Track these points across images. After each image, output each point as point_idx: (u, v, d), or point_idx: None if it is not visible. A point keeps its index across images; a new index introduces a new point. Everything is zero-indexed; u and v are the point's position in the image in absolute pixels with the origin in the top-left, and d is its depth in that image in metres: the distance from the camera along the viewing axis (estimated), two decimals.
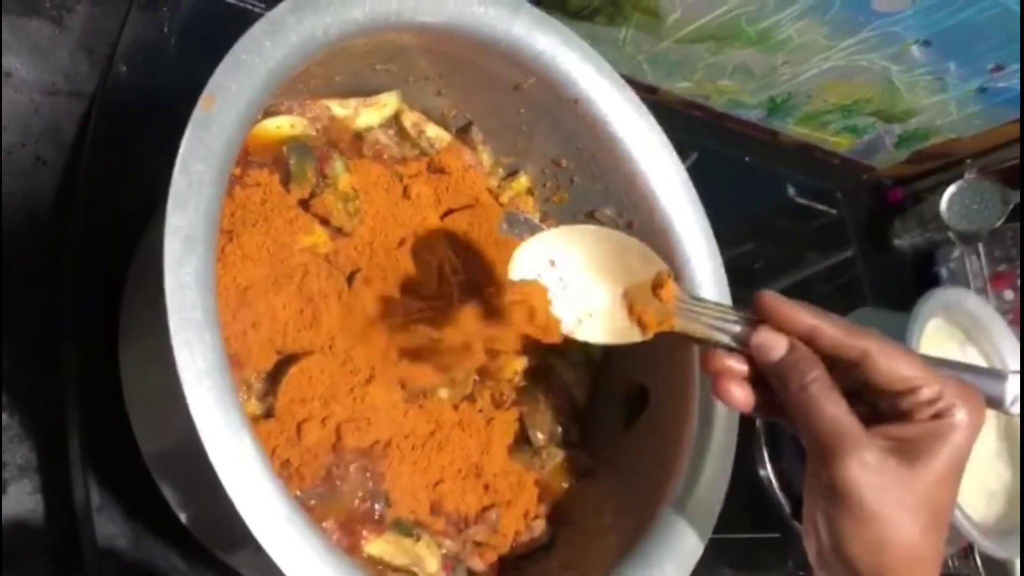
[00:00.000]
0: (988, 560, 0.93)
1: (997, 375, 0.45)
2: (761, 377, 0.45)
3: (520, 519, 0.56)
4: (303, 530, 0.37)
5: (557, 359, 0.61)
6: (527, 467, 0.58)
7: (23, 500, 0.54)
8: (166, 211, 0.35)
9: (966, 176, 1.02)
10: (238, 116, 0.38)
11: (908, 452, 0.41)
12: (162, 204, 0.36)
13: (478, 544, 0.54)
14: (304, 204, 0.51)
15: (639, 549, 0.50)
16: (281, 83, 0.41)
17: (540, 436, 0.59)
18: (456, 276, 0.54)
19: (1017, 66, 0.87)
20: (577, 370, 0.63)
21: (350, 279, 0.51)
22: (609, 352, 0.63)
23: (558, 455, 0.59)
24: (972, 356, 0.88)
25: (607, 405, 0.62)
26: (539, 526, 0.57)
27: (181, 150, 0.36)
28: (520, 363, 0.58)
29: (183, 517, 0.48)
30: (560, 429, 0.61)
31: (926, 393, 0.42)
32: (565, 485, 0.59)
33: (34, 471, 0.54)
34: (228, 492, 0.36)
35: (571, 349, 0.61)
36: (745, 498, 0.56)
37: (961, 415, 0.41)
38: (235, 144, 0.38)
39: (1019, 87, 0.91)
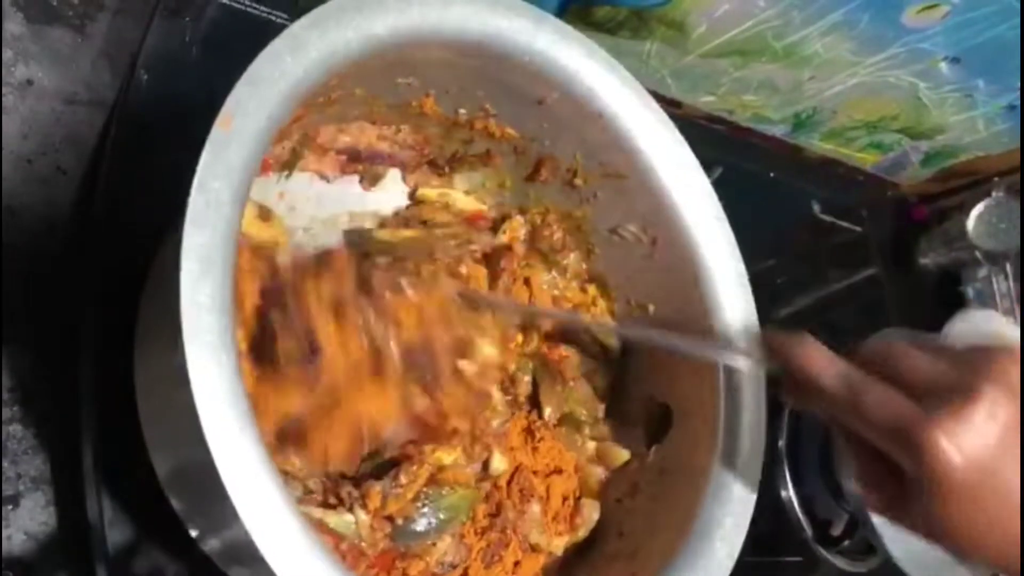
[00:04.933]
0: None
1: None
2: None
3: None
4: (317, 555, 0.37)
5: (573, 351, 0.61)
6: (569, 446, 0.58)
7: (36, 513, 0.54)
8: (183, 230, 0.35)
9: (994, 194, 1.00)
10: (257, 133, 0.38)
11: None
12: (179, 223, 0.35)
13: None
14: None
15: (663, 573, 0.49)
16: (301, 99, 0.41)
17: (584, 412, 0.60)
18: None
19: None
20: (596, 362, 0.62)
21: None
22: (628, 361, 0.62)
23: (600, 431, 0.60)
24: None
25: (629, 425, 0.61)
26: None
27: (199, 169, 0.36)
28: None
29: (195, 534, 0.48)
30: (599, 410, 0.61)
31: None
32: (601, 477, 0.59)
33: (47, 484, 0.54)
34: (240, 514, 0.35)
35: (586, 341, 0.62)
36: (766, 521, 0.55)
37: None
38: (254, 161, 0.38)
39: None
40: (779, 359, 0.44)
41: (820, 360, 0.42)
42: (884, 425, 0.40)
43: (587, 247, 0.63)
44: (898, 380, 0.41)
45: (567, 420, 0.60)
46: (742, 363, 0.52)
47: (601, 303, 0.63)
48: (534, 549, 0.56)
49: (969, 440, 0.37)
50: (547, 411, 0.59)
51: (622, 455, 0.60)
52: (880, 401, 0.40)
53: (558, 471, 0.58)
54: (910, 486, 0.40)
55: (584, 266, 0.63)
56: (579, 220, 0.62)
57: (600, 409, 0.62)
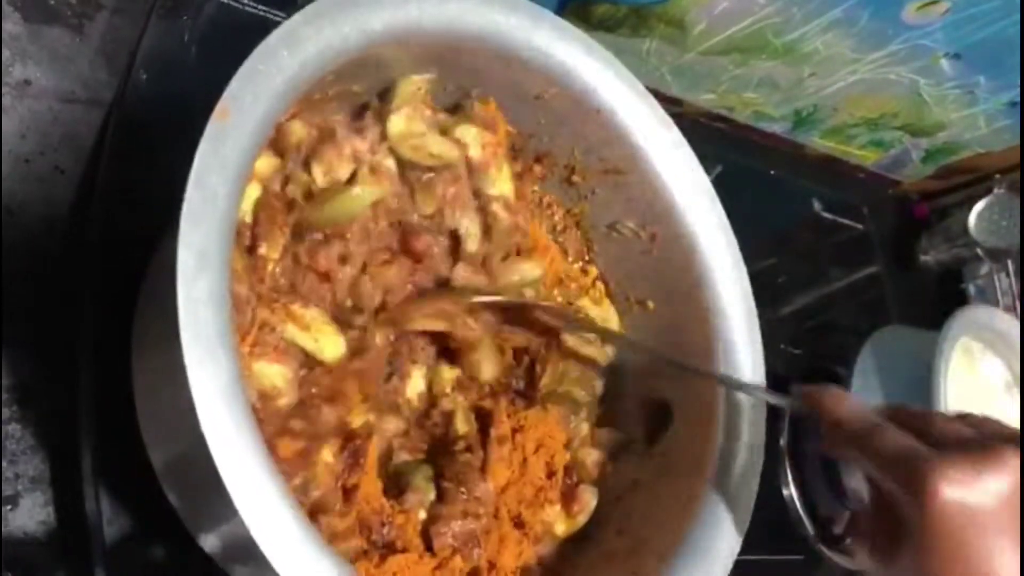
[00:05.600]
0: None
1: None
2: None
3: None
4: (317, 552, 0.36)
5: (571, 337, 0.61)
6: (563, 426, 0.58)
7: (35, 512, 0.54)
8: (179, 225, 0.35)
9: (995, 191, 1.00)
10: (254, 128, 0.38)
11: None
12: (175, 219, 0.35)
13: None
14: None
15: (663, 571, 0.49)
16: (298, 93, 0.41)
17: (581, 393, 0.60)
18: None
19: None
20: (593, 344, 0.62)
21: None
22: (627, 359, 0.62)
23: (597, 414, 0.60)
24: (1000, 376, 0.86)
25: (629, 423, 0.60)
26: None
27: (195, 164, 0.36)
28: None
29: (194, 533, 0.47)
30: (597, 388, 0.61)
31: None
32: (597, 460, 0.59)
33: (46, 483, 0.54)
34: (241, 513, 0.35)
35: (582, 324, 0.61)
36: (767, 519, 0.54)
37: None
38: (250, 156, 0.38)
39: None
40: (810, 404, 0.46)
41: (848, 404, 0.44)
42: (893, 458, 0.40)
43: (586, 243, 0.63)
44: (919, 433, 0.42)
45: (563, 399, 0.59)
46: (770, 400, 0.53)
47: (600, 285, 0.63)
48: (519, 526, 0.55)
49: (973, 490, 0.38)
50: (543, 381, 0.59)
51: (617, 437, 0.60)
52: (894, 438, 0.41)
53: (542, 445, 0.57)
54: (901, 532, 0.41)
55: (584, 247, 0.63)
56: (577, 216, 0.62)
57: (598, 387, 0.62)
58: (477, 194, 0.56)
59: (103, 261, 0.56)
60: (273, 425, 0.45)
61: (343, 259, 0.50)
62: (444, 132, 0.54)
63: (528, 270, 0.58)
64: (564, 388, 0.59)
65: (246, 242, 0.46)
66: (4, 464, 0.53)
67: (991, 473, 0.38)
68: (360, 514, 0.46)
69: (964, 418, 0.43)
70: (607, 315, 0.63)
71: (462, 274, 0.54)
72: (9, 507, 0.52)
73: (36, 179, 0.59)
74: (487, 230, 0.57)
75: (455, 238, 0.55)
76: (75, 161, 0.60)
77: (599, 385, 0.62)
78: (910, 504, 0.39)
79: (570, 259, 0.63)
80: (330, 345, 0.48)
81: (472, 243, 0.55)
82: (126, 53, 0.62)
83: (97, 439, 0.52)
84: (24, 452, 0.54)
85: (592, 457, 0.58)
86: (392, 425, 0.53)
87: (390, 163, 0.52)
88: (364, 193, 0.50)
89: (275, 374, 0.46)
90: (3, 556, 0.51)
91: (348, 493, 0.47)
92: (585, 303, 0.62)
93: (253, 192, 0.46)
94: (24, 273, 0.56)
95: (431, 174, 0.53)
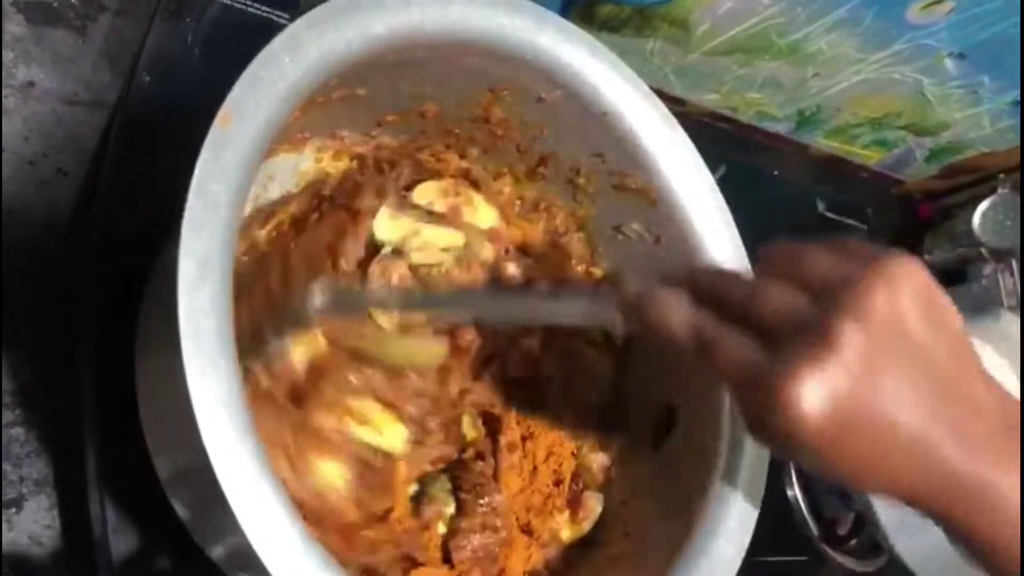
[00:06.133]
0: None
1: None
2: None
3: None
4: (319, 564, 0.36)
5: (577, 341, 0.61)
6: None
7: (39, 516, 0.54)
8: (181, 233, 0.35)
9: (999, 191, 0.99)
10: (256, 134, 0.37)
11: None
12: (177, 226, 0.35)
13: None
14: None
15: (669, 575, 0.49)
16: (301, 98, 0.40)
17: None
18: None
19: None
20: (598, 349, 0.62)
21: None
22: (634, 360, 0.62)
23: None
24: (1004, 377, 0.86)
25: (634, 426, 0.60)
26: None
27: (196, 171, 0.36)
28: None
29: (197, 538, 0.47)
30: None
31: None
32: (604, 464, 0.58)
33: (50, 487, 0.54)
34: (241, 524, 0.35)
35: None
36: (771, 520, 0.54)
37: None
38: (252, 163, 0.37)
39: None
40: (634, 317, 0.41)
41: (675, 313, 0.39)
42: (735, 379, 0.37)
43: (591, 246, 0.63)
44: (793, 284, 0.38)
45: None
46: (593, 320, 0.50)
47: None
48: (528, 533, 0.55)
49: (825, 388, 0.34)
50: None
51: (623, 441, 0.60)
52: (729, 351, 0.37)
53: (551, 453, 0.57)
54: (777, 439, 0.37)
55: (587, 250, 0.63)
56: (583, 219, 0.62)
57: (604, 383, 0.61)
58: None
59: (105, 263, 0.56)
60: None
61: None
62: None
63: None
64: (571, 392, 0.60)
65: (286, 391, 0.46)
66: (8, 467, 0.53)
67: (831, 360, 0.34)
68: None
69: (791, 265, 0.38)
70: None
71: None
72: (13, 510, 0.53)
73: (39, 181, 0.59)
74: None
75: None
76: (78, 163, 0.60)
77: (605, 389, 0.62)
78: (774, 420, 0.35)
79: (574, 262, 0.63)
80: (393, 435, 0.49)
81: None
82: (129, 55, 0.62)
83: (101, 441, 0.52)
84: (28, 455, 0.54)
85: (598, 462, 0.58)
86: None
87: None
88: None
89: (333, 472, 0.46)
90: (7, 559, 0.51)
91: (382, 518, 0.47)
92: None
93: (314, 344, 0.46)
94: (26, 274, 0.56)
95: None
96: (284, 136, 0.45)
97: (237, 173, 0.36)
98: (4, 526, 0.52)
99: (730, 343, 0.37)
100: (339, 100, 0.49)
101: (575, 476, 0.58)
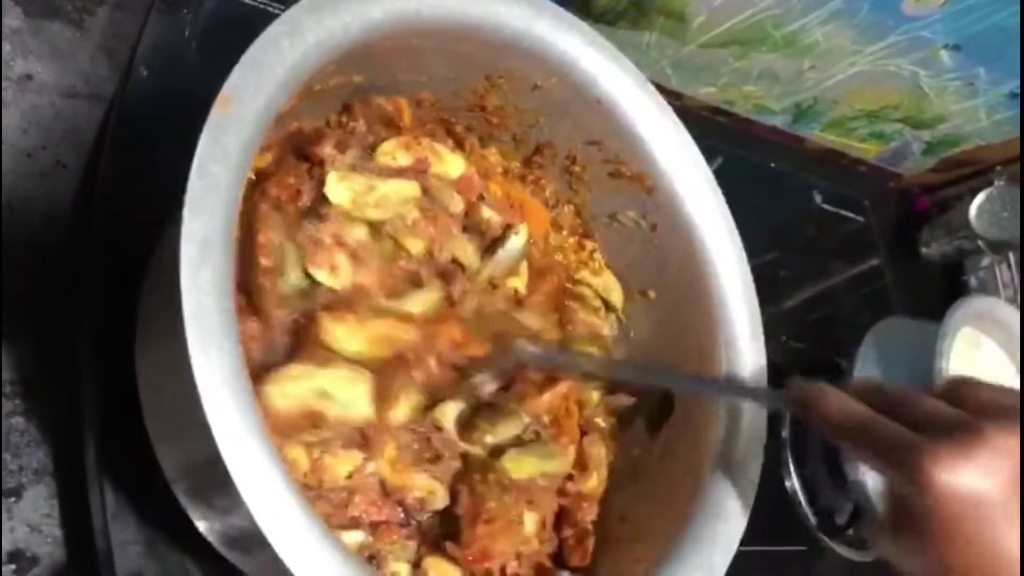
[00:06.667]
0: None
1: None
2: None
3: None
4: (324, 542, 0.36)
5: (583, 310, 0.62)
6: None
7: (39, 504, 0.54)
8: (182, 215, 0.35)
9: (996, 183, 1.00)
10: (255, 117, 0.38)
11: None
12: (178, 208, 0.35)
13: None
14: None
15: (665, 560, 0.49)
16: (299, 83, 0.41)
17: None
18: None
19: None
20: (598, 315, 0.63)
21: None
22: (630, 345, 0.62)
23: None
24: (1002, 366, 0.86)
25: (631, 412, 0.61)
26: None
27: (197, 152, 0.36)
28: None
29: (199, 524, 0.48)
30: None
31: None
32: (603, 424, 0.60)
33: (50, 476, 0.54)
34: (247, 502, 0.35)
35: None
36: (769, 509, 0.55)
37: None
38: (252, 146, 0.38)
39: None
40: (801, 409, 0.45)
41: (835, 402, 0.44)
42: (885, 451, 0.40)
43: (587, 233, 0.63)
44: (905, 417, 0.42)
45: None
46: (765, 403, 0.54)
47: (598, 257, 0.63)
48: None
49: (968, 474, 0.38)
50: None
51: (626, 400, 0.60)
52: (881, 430, 0.41)
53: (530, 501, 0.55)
54: (907, 517, 0.41)
55: (579, 221, 0.63)
56: (578, 206, 0.62)
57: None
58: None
59: (104, 254, 0.56)
60: None
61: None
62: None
63: (518, 242, 0.59)
64: (580, 347, 0.60)
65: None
66: (8, 457, 0.53)
67: (980, 454, 0.38)
68: None
69: (950, 391, 0.43)
70: (609, 284, 0.63)
71: None
72: (13, 499, 0.53)
73: (37, 173, 0.59)
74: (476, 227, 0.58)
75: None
76: (76, 155, 0.60)
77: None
78: (911, 492, 0.39)
79: (564, 232, 0.63)
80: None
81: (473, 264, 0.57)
82: (127, 48, 0.62)
83: (101, 431, 0.52)
84: (28, 444, 0.54)
85: (603, 424, 0.59)
86: None
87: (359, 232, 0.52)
88: None
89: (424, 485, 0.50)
90: (7, 549, 0.51)
91: None
92: (585, 275, 0.63)
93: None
94: (26, 267, 0.56)
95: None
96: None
97: (237, 155, 0.37)
98: (4, 515, 0.52)
99: (887, 426, 0.41)
100: (335, 88, 0.49)
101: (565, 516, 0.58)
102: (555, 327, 0.60)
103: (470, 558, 0.50)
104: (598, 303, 0.62)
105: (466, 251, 0.57)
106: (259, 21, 0.63)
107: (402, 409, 0.50)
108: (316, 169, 0.51)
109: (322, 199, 0.51)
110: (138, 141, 0.58)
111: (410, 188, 0.54)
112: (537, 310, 0.59)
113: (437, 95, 0.55)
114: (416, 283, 0.54)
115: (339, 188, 0.51)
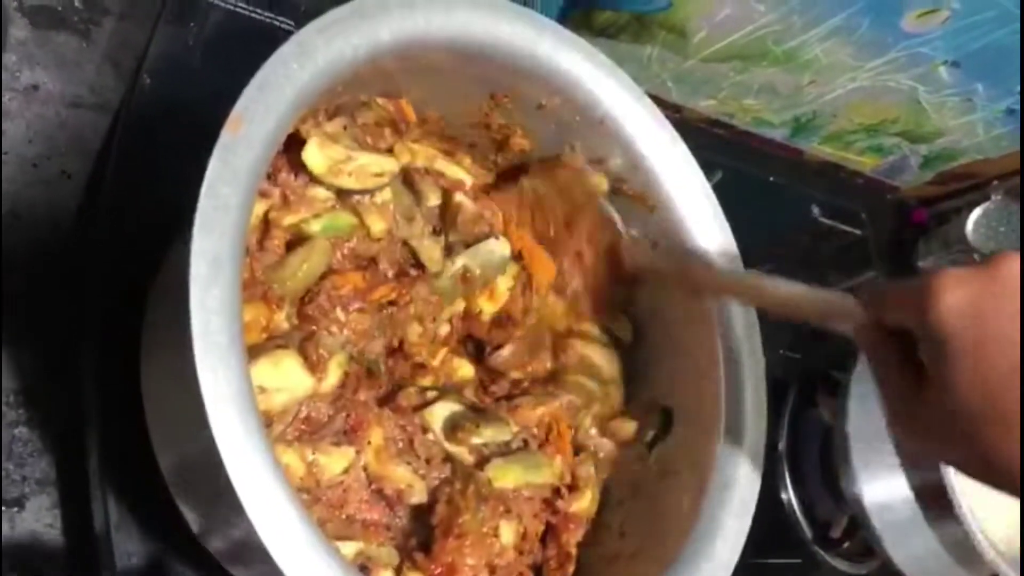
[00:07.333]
0: None
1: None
2: None
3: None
4: (325, 557, 0.37)
5: (581, 341, 0.62)
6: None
7: (41, 515, 0.54)
8: (192, 234, 0.35)
9: (993, 197, 1.00)
10: (265, 138, 0.38)
11: None
12: (187, 227, 0.35)
13: None
14: None
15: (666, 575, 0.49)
16: (309, 104, 0.41)
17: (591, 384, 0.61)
18: None
19: None
20: (608, 349, 0.62)
21: None
22: (631, 362, 0.63)
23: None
24: None
25: (633, 438, 0.61)
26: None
27: (208, 173, 0.36)
28: None
29: (201, 536, 0.48)
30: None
31: None
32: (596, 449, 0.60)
33: (52, 486, 0.54)
34: (250, 516, 0.35)
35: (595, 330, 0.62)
36: (766, 522, 0.55)
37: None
38: (262, 166, 0.38)
39: None
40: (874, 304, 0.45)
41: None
42: (902, 302, 0.42)
43: None
44: None
45: (573, 387, 0.60)
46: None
47: None
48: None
49: (975, 289, 0.39)
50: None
51: (629, 427, 0.60)
52: (898, 286, 0.43)
53: (507, 511, 0.56)
54: (923, 372, 0.41)
55: None
56: None
57: (613, 371, 0.62)
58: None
59: (108, 264, 0.56)
60: None
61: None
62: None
63: (498, 248, 0.59)
64: (573, 377, 0.60)
65: None
66: (11, 466, 0.53)
67: (991, 269, 0.39)
68: None
69: None
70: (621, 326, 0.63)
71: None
72: (16, 509, 0.53)
73: (43, 183, 0.59)
74: (452, 221, 0.58)
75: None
76: (81, 165, 0.61)
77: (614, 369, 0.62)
78: (926, 337, 0.40)
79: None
80: None
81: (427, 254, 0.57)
82: (133, 58, 0.62)
83: (103, 441, 0.52)
84: (31, 455, 0.54)
85: (604, 448, 0.59)
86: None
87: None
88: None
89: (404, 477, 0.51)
90: (10, 558, 0.52)
91: None
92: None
93: None
94: (30, 277, 0.57)
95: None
96: None
97: (247, 176, 0.37)
98: (6, 525, 0.52)
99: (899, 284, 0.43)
100: (343, 107, 0.49)
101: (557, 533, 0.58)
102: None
103: (438, 571, 0.50)
104: (605, 339, 0.62)
105: (431, 253, 0.57)
106: (264, 34, 0.65)
107: (333, 368, 0.50)
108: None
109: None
110: (143, 151, 0.59)
111: (388, 163, 0.53)
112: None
113: (441, 113, 0.55)
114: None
115: (318, 155, 0.50)
